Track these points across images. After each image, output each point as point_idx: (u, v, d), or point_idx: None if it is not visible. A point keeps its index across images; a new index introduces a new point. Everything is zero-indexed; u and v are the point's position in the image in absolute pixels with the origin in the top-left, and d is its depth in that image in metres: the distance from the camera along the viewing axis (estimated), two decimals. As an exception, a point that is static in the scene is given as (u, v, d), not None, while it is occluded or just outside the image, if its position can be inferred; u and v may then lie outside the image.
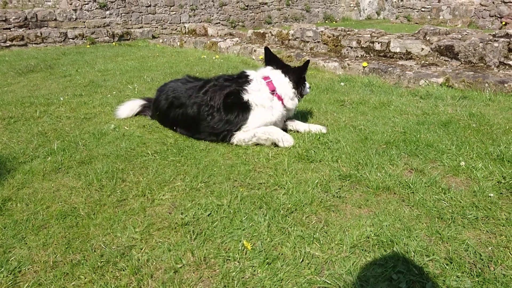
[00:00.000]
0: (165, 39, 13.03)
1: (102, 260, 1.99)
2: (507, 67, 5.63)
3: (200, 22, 16.64)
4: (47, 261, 2.00)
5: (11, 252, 2.08)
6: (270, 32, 9.92)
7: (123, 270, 1.92)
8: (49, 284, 1.84)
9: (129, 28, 14.57)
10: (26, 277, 1.90)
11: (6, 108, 4.85)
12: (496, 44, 5.72)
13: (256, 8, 19.02)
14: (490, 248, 2.05)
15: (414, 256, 1.99)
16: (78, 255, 2.05)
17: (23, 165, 3.15)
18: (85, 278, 1.88)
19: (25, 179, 2.91)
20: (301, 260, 1.97)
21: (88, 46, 12.31)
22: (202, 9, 17.37)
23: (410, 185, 2.66)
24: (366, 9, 22.77)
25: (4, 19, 12.40)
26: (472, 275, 1.87)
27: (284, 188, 2.67)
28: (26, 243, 2.15)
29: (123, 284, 1.83)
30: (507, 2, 16.37)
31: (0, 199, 2.58)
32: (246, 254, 2.02)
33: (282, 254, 2.02)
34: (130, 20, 15.58)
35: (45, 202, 2.57)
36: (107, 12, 14.86)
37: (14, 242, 2.16)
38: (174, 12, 16.61)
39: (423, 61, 6.49)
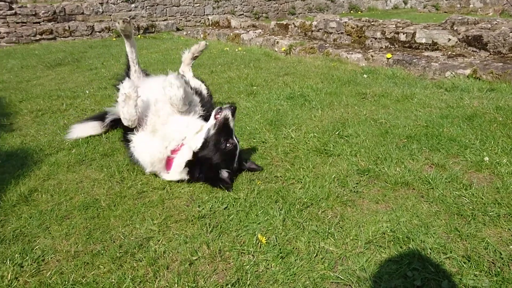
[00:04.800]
0: (189, 32, 13.12)
1: (121, 251, 2.05)
2: (539, 57, 5.39)
3: (224, 14, 16.63)
4: (69, 251, 2.07)
5: (36, 241, 2.17)
6: (293, 23, 9.82)
7: (141, 261, 1.97)
8: (70, 273, 1.91)
9: (153, 21, 14.72)
10: (49, 266, 1.98)
11: (35, 101, 5.01)
12: (527, 34, 5.48)
13: (280, -2, 18.85)
14: (511, 246, 2.00)
15: (430, 253, 1.96)
16: (98, 245, 2.12)
17: (49, 157, 3.26)
18: (104, 268, 1.94)
19: (50, 170, 3.02)
20: (315, 255, 1.97)
21: (114, 39, 12.53)
22: (225, 0, 17.35)
23: (430, 180, 2.61)
24: (393, -2, 22.20)
25: (34, 13, 12.77)
26: (490, 274, 1.82)
27: (301, 182, 2.67)
28: (50, 233, 2.24)
29: (140, 274, 1.89)
30: (543, -11, 15.65)
31: (27, 189, 2.69)
32: (260, 248, 2.04)
33: (296, 248, 2.03)
34: (155, 13, 15.73)
35: (69, 194, 2.66)
36: (133, 5, 15.06)
37: (39, 231, 2.25)
38: (198, 4, 16.67)
39: (449, 52, 6.30)
